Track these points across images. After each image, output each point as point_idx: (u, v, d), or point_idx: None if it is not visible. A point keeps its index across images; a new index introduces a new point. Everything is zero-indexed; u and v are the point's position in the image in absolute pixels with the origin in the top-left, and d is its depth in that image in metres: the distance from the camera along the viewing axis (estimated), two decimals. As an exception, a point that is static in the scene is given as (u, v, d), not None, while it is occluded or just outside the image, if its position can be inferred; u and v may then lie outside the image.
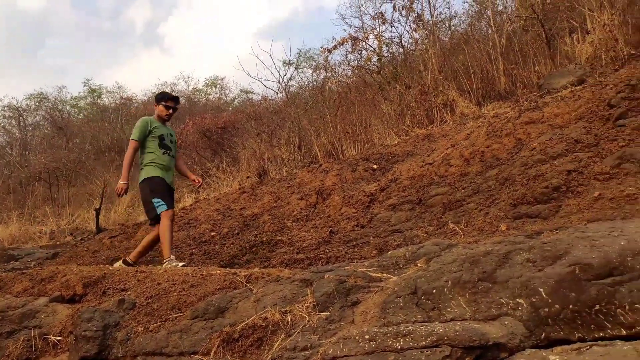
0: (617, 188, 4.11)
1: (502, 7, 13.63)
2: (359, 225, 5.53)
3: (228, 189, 9.37)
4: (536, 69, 10.52)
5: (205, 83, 27.22)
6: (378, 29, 14.08)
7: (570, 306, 2.52)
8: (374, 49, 13.90)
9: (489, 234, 4.28)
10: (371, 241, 5.04)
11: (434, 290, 2.87)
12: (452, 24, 14.75)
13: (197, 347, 2.91)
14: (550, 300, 2.57)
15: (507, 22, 12.35)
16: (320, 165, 8.07)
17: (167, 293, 3.32)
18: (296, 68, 16.48)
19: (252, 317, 2.93)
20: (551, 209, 4.35)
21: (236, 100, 22.93)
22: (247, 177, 10.12)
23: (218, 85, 26.56)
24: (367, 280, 3.33)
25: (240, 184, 9.71)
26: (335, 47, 13.79)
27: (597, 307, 2.48)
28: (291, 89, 16.13)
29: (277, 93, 16.08)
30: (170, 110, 5.38)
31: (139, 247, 5.26)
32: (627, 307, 2.43)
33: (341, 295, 3.15)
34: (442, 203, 5.24)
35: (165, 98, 5.38)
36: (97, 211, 10.45)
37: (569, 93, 6.33)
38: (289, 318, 2.98)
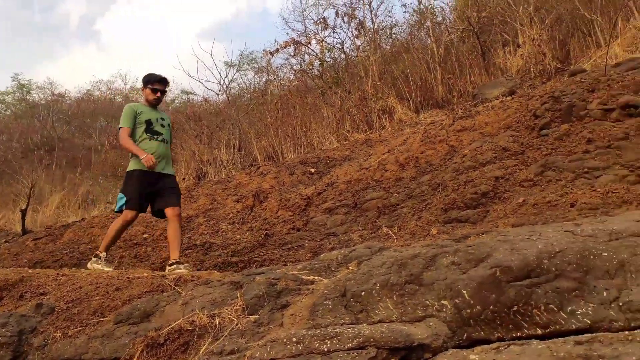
0: (540, 194, 4.30)
1: (441, 19, 14.06)
2: (295, 228, 5.53)
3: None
4: (472, 79, 10.90)
5: (144, 82, 26.43)
6: (320, 34, 14.18)
7: (491, 307, 2.61)
8: (316, 53, 13.99)
9: (421, 237, 4.37)
10: (306, 244, 5.05)
11: (363, 293, 2.90)
12: (393, 32, 15.05)
13: (120, 352, 2.81)
14: (472, 302, 2.65)
15: (446, 33, 12.72)
16: (259, 167, 8.02)
17: (89, 297, 3.19)
18: (238, 70, 16.35)
19: (179, 321, 2.86)
20: (479, 214, 4.50)
21: (176, 101, 22.42)
22: (183, 179, 9.92)
23: (157, 85, 25.84)
24: (298, 283, 3.32)
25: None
26: (277, 50, 13.81)
27: (515, 307, 2.58)
28: (232, 91, 15.99)
29: (217, 95, 15.89)
30: (158, 94, 4.85)
31: (170, 244, 4.74)
32: (542, 307, 2.53)
33: (271, 298, 3.13)
34: (377, 207, 5.32)
35: (152, 81, 4.85)
36: (23, 212, 9.93)
37: (499, 103, 6.59)
38: (217, 321, 2.93)
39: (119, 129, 4.79)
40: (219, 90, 16.19)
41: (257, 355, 2.58)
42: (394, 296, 2.85)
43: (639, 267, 2.54)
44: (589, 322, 2.47)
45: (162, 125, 4.86)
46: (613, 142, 4.52)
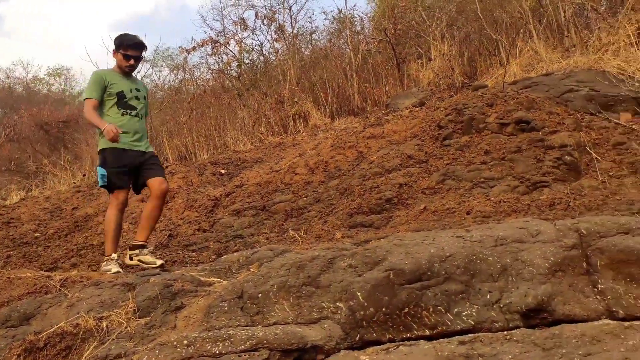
0: (440, 202, 4.48)
1: (359, 28, 14.37)
2: (201, 229, 5.40)
3: (64, 188, 8.66)
4: (387, 89, 11.20)
5: (48, 72, 25.12)
6: (239, 35, 14.05)
7: (383, 309, 2.67)
8: (234, 54, 13.84)
9: (326, 241, 4.41)
10: (211, 246, 4.95)
11: (260, 295, 2.87)
12: (312, 38, 15.19)
13: (-6, 358, 2.61)
14: (366, 304, 2.70)
15: (363, 43, 12.99)
16: (167, 167, 7.78)
17: (-38, 298, 2.94)
18: (152, 66, 15.84)
19: (61, 324, 2.69)
20: (383, 219, 4.61)
21: (84, 94, 21.36)
22: (84, 175, 9.43)
23: (63, 76, 24.63)
24: (195, 285, 3.24)
25: (75, 183, 8.99)
26: (194, 48, 13.50)
27: (407, 309, 2.65)
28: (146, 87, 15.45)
29: (129, 90, 15.30)
30: (132, 61, 4.09)
31: (141, 222, 4.06)
32: (431, 309, 2.63)
33: (166, 299, 3.02)
34: (284, 210, 5.32)
35: (125, 44, 4.06)
36: None
37: (408, 113, 6.81)
38: (104, 324, 2.79)
39: (84, 100, 4.10)
40: (131, 85, 15.59)
41: (144, 358, 2.48)
42: (291, 298, 2.84)
43: (519, 271, 2.70)
44: (473, 322, 2.59)
45: (137, 98, 4.16)
46: (507, 154, 4.80)
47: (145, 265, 3.52)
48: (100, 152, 4.04)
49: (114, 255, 3.92)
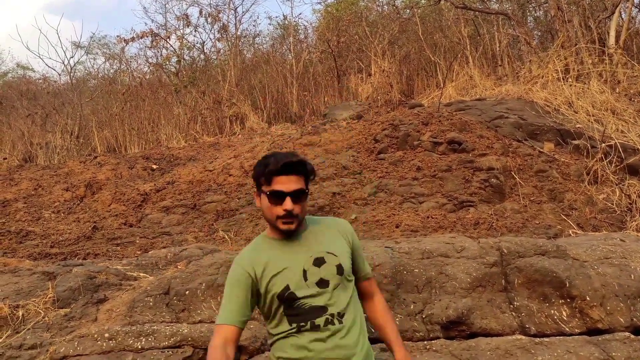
0: (371, 213, 4.59)
1: (303, 37, 14.49)
2: (127, 224, 5.24)
3: (-20, 170, 8.11)
4: (325, 99, 11.34)
5: (-30, 49, 23.50)
6: (181, 31, 13.80)
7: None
8: (174, 49, 13.56)
9: (256, 244, 4.40)
10: (137, 241, 4.82)
11: (187, 292, 2.84)
12: (255, 41, 15.15)
13: None
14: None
15: (306, 51, 13.10)
16: (95, 157, 7.50)
17: None
18: (87, 53, 15.23)
19: (-28, 310, 2.55)
20: (314, 226, 4.66)
21: (9, 75, 20.13)
22: (5, 159, 8.90)
23: (-12, 54, 23.13)
24: (120, 278, 3.15)
25: (-6, 166, 8.47)
26: (133, 39, 13.11)
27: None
28: (78, 74, 14.84)
29: (59, 75, 14.68)
30: (288, 204, 1.85)
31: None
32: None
33: (88, 291, 2.93)
34: (216, 210, 5.26)
35: (266, 174, 1.89)
36: None
37: (346, 124, 6.93)
38: (20, 313, 2.67)
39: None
40: (62, 70, 14.95)
41: (62, 350, 2.39)
42: (219, 297, 2.83)
43: (443, 284, 2.82)
44: (396, 331, 2.67)
45: (323, 283, 1.92)
46: (438, 172, 4.99)
47: None
48: None
49: None
